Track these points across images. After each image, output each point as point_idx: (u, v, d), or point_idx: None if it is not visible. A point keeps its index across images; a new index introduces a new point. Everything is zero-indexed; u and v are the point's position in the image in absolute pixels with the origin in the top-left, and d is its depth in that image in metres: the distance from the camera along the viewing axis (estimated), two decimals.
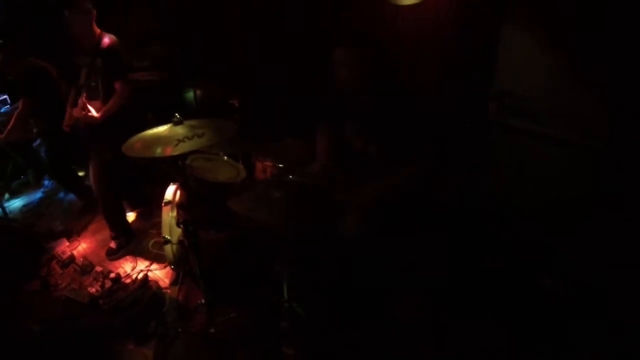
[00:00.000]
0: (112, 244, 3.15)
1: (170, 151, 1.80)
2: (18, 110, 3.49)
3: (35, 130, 3.78)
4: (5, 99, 4.18)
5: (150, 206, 3.62)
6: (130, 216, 3.53)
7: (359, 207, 2.00)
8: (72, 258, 3.10)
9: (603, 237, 2.17)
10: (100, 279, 2.79)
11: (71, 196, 4.04)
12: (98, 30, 2.81)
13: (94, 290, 2.71)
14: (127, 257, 3.10)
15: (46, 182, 4.40)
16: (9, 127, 3.61)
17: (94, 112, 2.76)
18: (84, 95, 2.73)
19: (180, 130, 1.94)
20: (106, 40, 2.80)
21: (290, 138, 2.99)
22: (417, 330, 2.20)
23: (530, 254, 2.47)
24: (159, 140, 1.91)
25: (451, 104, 2.67)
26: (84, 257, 3.10)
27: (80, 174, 3.87)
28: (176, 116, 1.99)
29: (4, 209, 3.62)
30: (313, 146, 2.38)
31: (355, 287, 2.18)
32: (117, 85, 2.83)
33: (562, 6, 2.14)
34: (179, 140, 1.84)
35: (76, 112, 2.75)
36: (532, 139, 2.41)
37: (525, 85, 2.39)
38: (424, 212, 2.25)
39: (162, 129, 2.00)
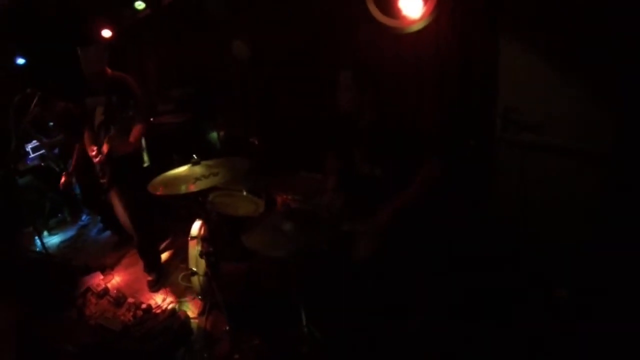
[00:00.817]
0: (150, 277, 3.34)
1: (193, 188, 2.02)
2: (76, 153, 3.77)
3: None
4: (47, 141, 4.54)
5: (176, 241, 3.85)
6: (163, 255, 3.74)
7: (368, 232, 2.12)
8: (106, 290, 3.31)
9: (614, 246, 2.19)
10: (132, 310, 2.99)
11: (106, 233, 4.32)
12: (110, 71, 3.07)
13: (126, 319, 2.90)
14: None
15: (84, 217, 4.70)
16: (73, 164, 3.87)
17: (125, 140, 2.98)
18: (112, 131, 2.94)
19: (197, 169, 2.16)
20: (118, 78, 3.06)
21: (305, 171, 3.17)
22: (432, 351, 2.26)
23: (544, 268, 2.49)
24: (179, 179, 2.14)
25: (456, 125, 2.76)
26: (117, 290, 3.30)
27: None
28: (194, 157, 2.21)
29: (43, 244, 3.87)
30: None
31: (368, 309, 2.27)
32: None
33: (560, 15, 2.18)
34: (197, 179, 2.07)
35: (112, 144, 2.91)
36: (539, 151, 2.46)
37: (530, 99, 2.44)
38: (432, 232, 2.34)
39: (181, 169, 2.23)
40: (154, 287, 3.29)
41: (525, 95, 2.47)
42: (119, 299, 3.16)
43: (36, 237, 3.89)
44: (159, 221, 3.87)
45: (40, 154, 4.31)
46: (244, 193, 2.87)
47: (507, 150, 2.60)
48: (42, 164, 4.31)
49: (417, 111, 2.96)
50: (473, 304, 2.41)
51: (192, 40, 4.35)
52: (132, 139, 3.01)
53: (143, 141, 3.19)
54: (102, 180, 3.15)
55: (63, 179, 3.82)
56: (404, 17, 2.68)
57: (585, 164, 2.32)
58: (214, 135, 4.10)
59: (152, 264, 3.39)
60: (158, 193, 2.08)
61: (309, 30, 3.38)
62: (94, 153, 3.05)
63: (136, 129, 3.04)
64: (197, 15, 4.14)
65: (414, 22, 2.67)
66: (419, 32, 2.70)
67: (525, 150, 2.52)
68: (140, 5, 4.19)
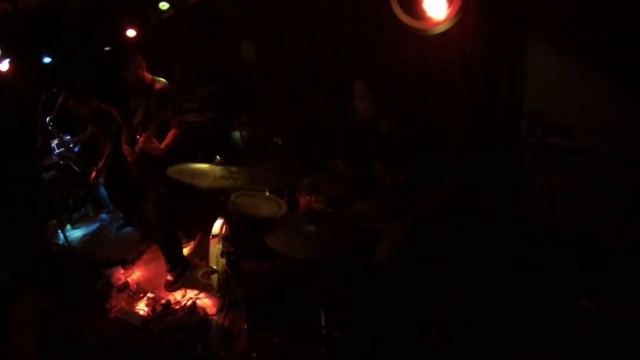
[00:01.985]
0: (170, 276, 3.35)
1: (209, 183, 2.06)
2: (108, 150, 3.88)
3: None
4: (69, 139, 4.63)
5: (197, 237, 3.89)
6: (185, 249, 3.76)
7: (392, 235, 2.11)
8: (126, 284, 3.37)
9: None
10: (152, 305, 3.03)
11: (127, 229, 4.40)
12: (150, 76, 3.22)
13: (145, 314, 2.94)
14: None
15: (104, 216, 4.80)
16: (103, 160, 3.95)
17: (158, 144, 3.08)
18: (149, 129, 3.04)
19: (219, 170, 2.18)
20: (159, 84, 3.20)
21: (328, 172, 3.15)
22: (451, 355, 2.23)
23: (568, 276, 2.43)
24: (199, 174, 2.19)
25: (482, 128, 2.74)
26: (138, 284, 3.36)
27: None
28: (217, 158, 2.23)
29: (66, 237, 3.95)
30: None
31: (389, 312, 2.25)
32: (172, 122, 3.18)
33: (589, 17, 2.16)
34: (216, 177, 2.10)
35: (144, 144, 3.02)
36: (566, 155, 2.43)
37: (556, 102, 2.41)
38: (458, 236, 2.31)
39: (204, 165, 2.26)
40: (171, 287, 3.29)
41: (552, 99, 2.44)
42: (139, 293, 3.21)
43: (59, 230, 3.97)
44: (182, 219, 3.92)
45: (60, 152, 4.36)
46: (267, 193, 2.88)
47: (533, 153, 2.56)
48: (61, 162, 4.38)
49: (441, 115, 2.93)
50: (497, 313, 2.37)
51: (215, 40, 4.40)
52: (163, 145, 3.10)
53: None
54: (133, 174, 3.28)
55: (93, 174, 3.95)
56: (428, 19, 2.66)
57: (613, 168, 2.28)
58: (237, 134, 4.13)
59: (172, 259, 3.41)
60: (174, 176, 2.14)
61: (335, 32, 3.39)
62: (128, 152, 3.22)
63: (169, 135, 3.14)
64: (216, 15, 4.19)
65: (438, 23, 2.65)
66: (444, 34, 2.68)
67: (552, 154, 2.48)
68: (164, 5, 4.24)
